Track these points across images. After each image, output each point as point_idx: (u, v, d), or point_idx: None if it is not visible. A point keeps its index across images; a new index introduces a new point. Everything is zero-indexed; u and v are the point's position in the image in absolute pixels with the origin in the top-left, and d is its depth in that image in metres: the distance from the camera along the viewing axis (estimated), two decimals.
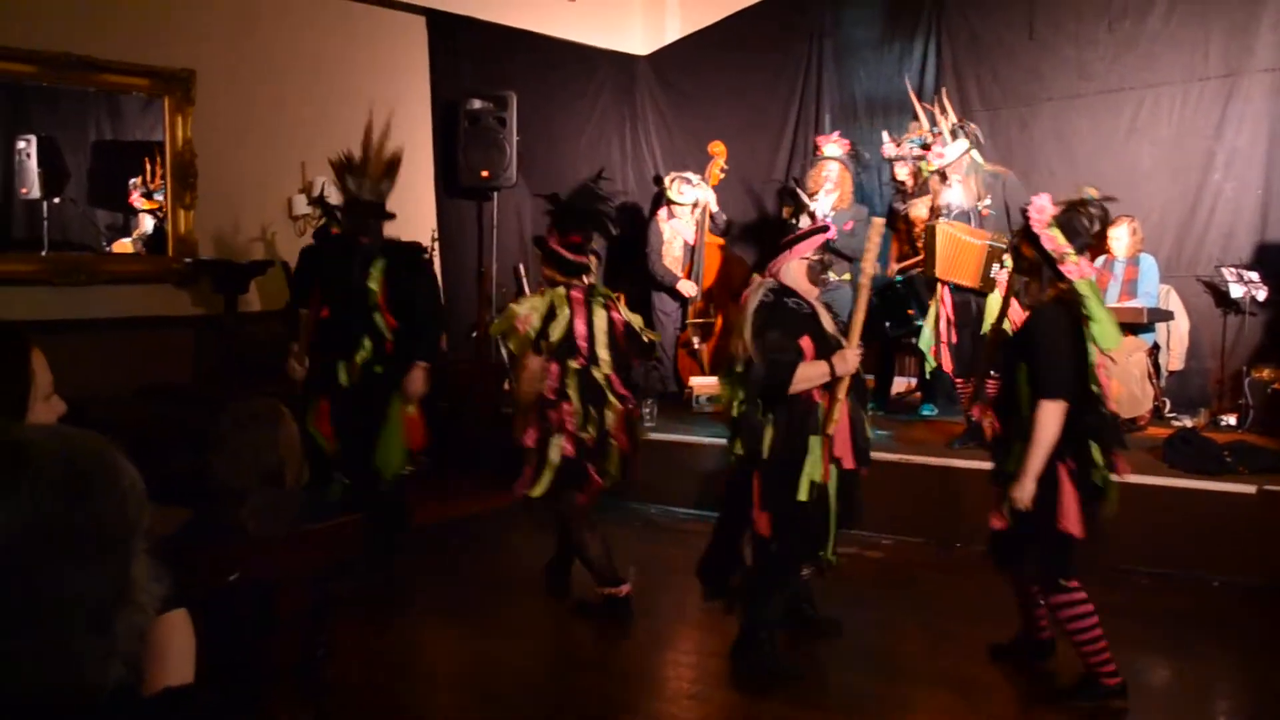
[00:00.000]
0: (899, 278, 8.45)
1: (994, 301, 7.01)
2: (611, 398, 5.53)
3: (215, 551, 3.21)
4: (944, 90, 7.73)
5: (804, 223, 5.05)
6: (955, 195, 7.26)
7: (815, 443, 4.78)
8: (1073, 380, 4.36)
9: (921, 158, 8.23)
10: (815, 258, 4.95)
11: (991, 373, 6.11)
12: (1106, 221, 4.64)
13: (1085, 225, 4.50)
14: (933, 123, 7.51)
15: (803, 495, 4.74)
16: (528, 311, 5.46)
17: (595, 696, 4.83)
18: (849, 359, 4.78)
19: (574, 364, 5.43)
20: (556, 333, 5.40)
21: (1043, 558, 4.46)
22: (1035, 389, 4.36)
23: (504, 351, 9.14)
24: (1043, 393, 4.32)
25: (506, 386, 8.98)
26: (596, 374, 5.48)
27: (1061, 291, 4.44)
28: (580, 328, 5.45)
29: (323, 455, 5.80)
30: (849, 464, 4.87)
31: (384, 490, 5.91)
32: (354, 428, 5.92)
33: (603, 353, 5.50)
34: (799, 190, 5.69)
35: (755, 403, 4.78)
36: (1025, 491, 4.34)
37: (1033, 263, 4.51)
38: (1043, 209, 4.46)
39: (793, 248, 4.93)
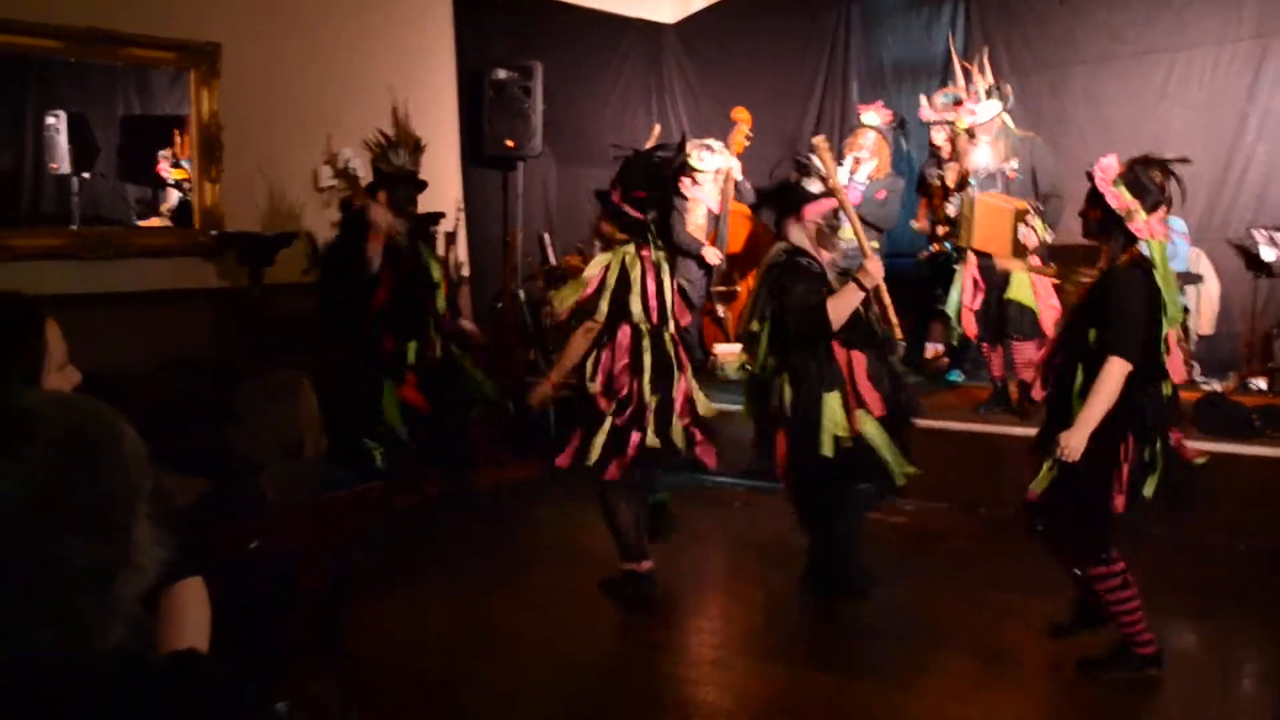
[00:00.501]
0: (949, 247, 8.37)
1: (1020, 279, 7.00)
2: (683, 361, 5.41)
3: (234, 522, 3.24)
4: (986, 50, 7.63)
5: (814, 187, 4.98)
6: (983, 156, 7.19)
7: (832, 399, 4.80)
8: (1143, 348, 4.24)
9: (952, 121, 8.19)
10: (823, 221, 4.96)
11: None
12: (1177, 180, 4.45)
13: (1154, 181, 4.32)
14: (969, 80, 7.43)
15: (827, 450, 4.78)
16: (598, 270, 5.27)
17: (619, 664, 4.87)
18: (871, 270, 4.89)
19: (645, 326, 5.24)
20: (633, 292, 5.20)
21: (1084, 531, 4.41)
22: (1105, 346, 4.22)
23: (530, 319, 9.18)
24: (1113, 350, 4.19)
25: (532, 355, 9.01)
26: (666, 337, 5.34)
27: (1136, 255, 4.30)
28: (652, 287, 5.27)
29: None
30: (878, 412, 4.88)
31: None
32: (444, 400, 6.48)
33: (670, 315, 5.36)
34: (806, 157, 5.62)
35: (791, 358, 4.85)
36: (1076, 440, 4.20)
37: (1101, 224, 4.38)
38: (1108, 167, 4.34)
39: (798, 210, 4.95)
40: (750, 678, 4.73)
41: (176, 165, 7.89)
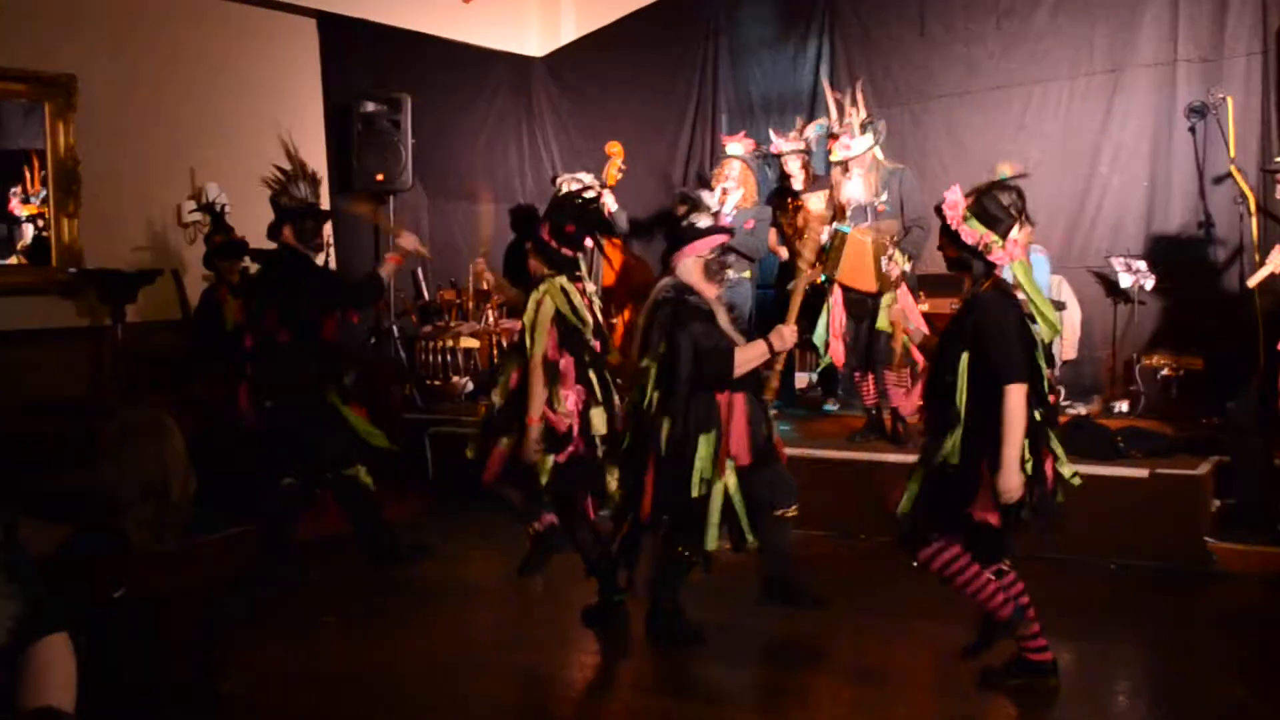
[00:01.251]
0: (824, 278, 8.46)
1: (889, 298, 7.09)
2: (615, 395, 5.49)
3: (100, 566, 3.11)
4: (859, 83, 7.73)
5: (701, 221, 5.01)
6: (855, 189, 7.27)
7: (705, 441, 4.81)
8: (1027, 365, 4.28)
9: (808, 151, 8.31)
10: (712, 256, 4.97)
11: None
12: (1022, 197, 4.49)
13: (1004, 206, 4.30)
14: (841, 114, 7.52)
15: (695, 491, 4.78)
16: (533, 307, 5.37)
17: (508, 703, 4.77)
18: (786, 335, 4.91)
19: (588, 357, 5.38)
20: (579, 321, 5.37)
21: (973, 545, 4.43)
22: (996, 375, 4.22)
23: (405, 354, 9.05)
24: (1006, 378, 4.20)
25: (408, 390, 8.89)
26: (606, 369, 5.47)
27: (997, 280, 4.34)
28: (589, 318, 5.43)
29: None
30: (744, 460, 4.88)
31: None
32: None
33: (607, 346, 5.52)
34: (695, 194, 5.70)
35: (674, 396, 4.83)
36: (1011, 484, 4.22)
37: (960, 260, 4.39)
38: (955, 204, 4.32)
39: (687, 245, 4.95)
40: (644, 714, 4.68)
41: (27, 201, 7.62)
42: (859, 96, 7.43)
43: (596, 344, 5.44)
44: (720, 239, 5.05)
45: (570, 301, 5.34)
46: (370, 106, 9.24)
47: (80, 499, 3.29)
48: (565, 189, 8.92)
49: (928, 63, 9.18)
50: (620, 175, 9.38)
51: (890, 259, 7.03)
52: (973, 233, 4.27)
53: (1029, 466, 4.30)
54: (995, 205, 4.29)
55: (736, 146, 8.51)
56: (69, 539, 3.27)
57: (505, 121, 10.95)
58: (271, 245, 7.00)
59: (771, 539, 5.20)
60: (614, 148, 9.42)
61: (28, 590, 1.81)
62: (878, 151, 7.37)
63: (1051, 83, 8.67)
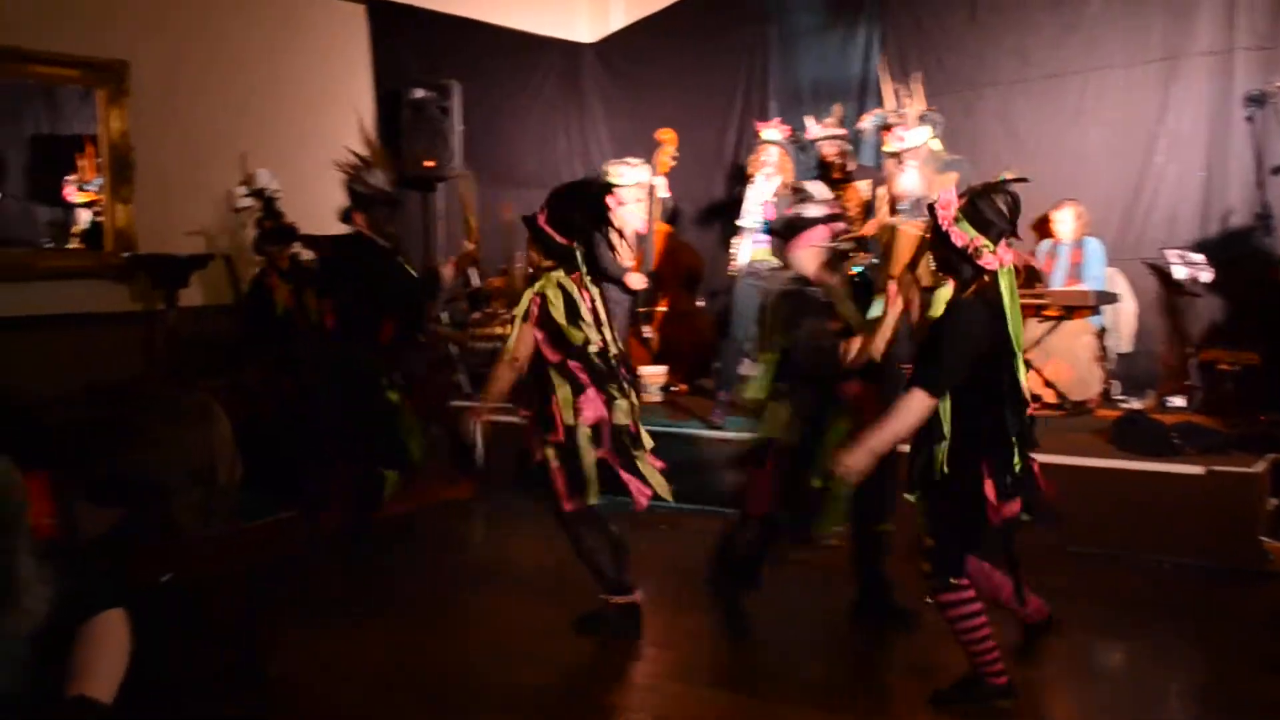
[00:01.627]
0: (859, 269, 8.40)
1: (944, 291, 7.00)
2: (627, 386, 5.17)
3: (146, 551, 3.13)
4: (918, 74, 7.65)
5: (812, 211, 4.89)
6: (910, 181, 7.18)
7: (834, 433, 4.80)
8: (993, 375, 4.15)
9: (840, 135, 8.25)
10: (829, 246, 4.94)
11: None
12: (1017, 203, 4.30)
13: (999, 210, 4.15)
14: (898, 104, 7.44)
15: (817, 481, 4.76)
16: (526, 303, 5.05)
17: (548, 693, 4.76)
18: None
19: (593, 349, 5.01)
20: (579, 316, 5.00)
21: (937, 555, 4.29)
22: (918, 375, 4.17)
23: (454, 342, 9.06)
24: (924, 384, 4.13)
25: (456, 378, 8.91)
26: (613, 362, 5.12)
27: (984, 285, 4.17)
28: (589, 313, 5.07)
29: None
30: None
31: None
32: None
33: (614, 339, 5.16)
34: (803, 184, 5.59)
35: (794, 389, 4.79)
36: (857, 462, 4.18)
37: (947, 260, 4.26)
38: (947, 204, 4.20)
39: (800, 236, 4.89)
40: (683, 702, 4.65)
41: (82, 188, 7.69)
42: (916, 87, 7.35)
43: (600, 341, 5.05)
44: (835, 227, 4.99)
45: (569, 297, 5.00)
46: (420, 93, 9.25)
47: (130, 483, 3.31)
48: (613, 170, 8.96)
49: (980, 50, 9.08)
50: (673, 163, 9.34)
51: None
52: (963, 235, 4.13)
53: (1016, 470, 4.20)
54: (990, 209, 4.14)
55: (773, 132, 8.43)
56: (118, 522, 3.29)
57: (554, 108, 10.95)
58: (321, 231, 7.06)
59: (872, 554, 5.18)
60: (665, 134, 9.37)
61: (72, 572, 1.80)
62: (935, 144, 7.29)
63: (1106, 71, 8.53)
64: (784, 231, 5.09)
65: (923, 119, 7.24)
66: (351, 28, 9.26)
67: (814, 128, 8.48)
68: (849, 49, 9.84)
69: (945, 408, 4.17)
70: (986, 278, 4.16)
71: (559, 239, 5.06)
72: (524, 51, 10.57)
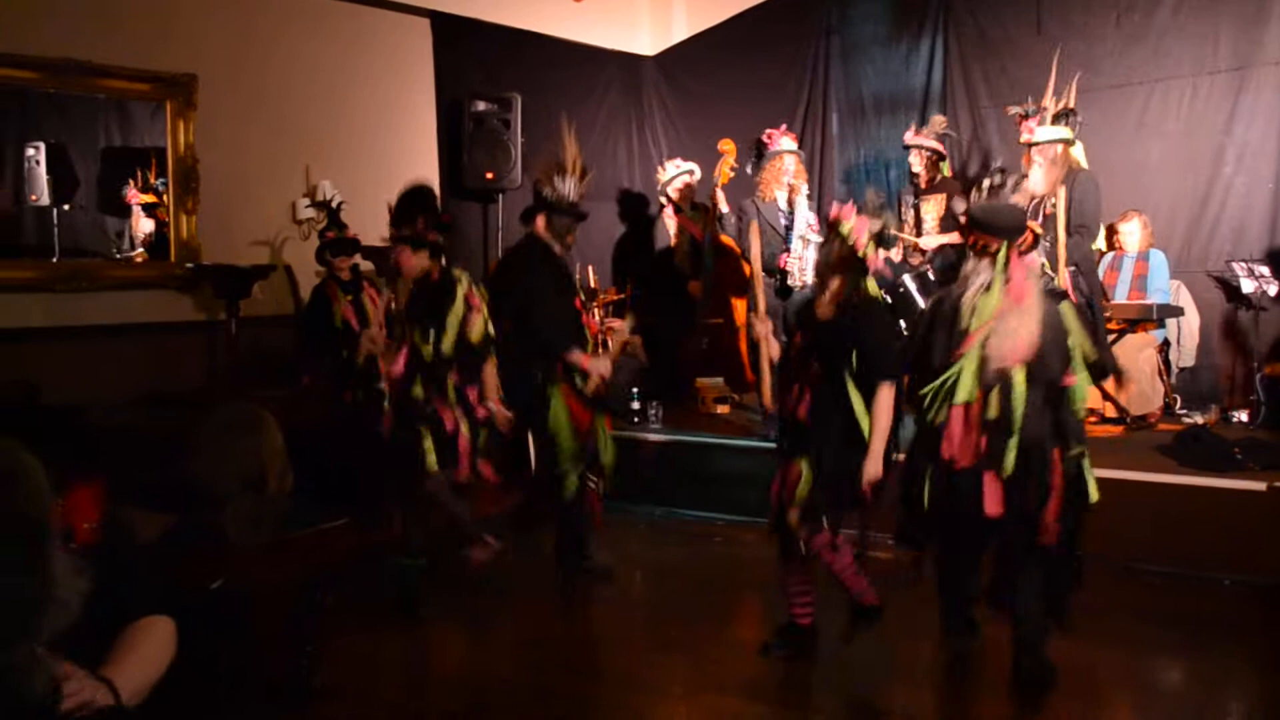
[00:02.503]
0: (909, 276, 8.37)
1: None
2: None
3: (197, 557, 3.18)
4: (1079, 77, 7.58)
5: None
6: (1034, 178, 7.11)
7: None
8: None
9: (934, 148, 8.21)
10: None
11: None
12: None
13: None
14: (1059, 97, 7.36)
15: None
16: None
17: (592, 701, 4.78)
18: None
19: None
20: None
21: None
22: (873, 374, 4.66)
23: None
24: (880, 375, 4.66)
25: None
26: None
27: (867, 290, 4.79)
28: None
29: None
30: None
31: None
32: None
33: None
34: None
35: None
36: (877, 469, 4.65)
37: (843, 261, 4.75)
38: (847, 210, 4.77)
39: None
40: (720, 715, 4.66)
41: (144, 190, 7.82)
42: (1074, 87, 7.30)
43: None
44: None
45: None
46: (481, 105, 9.32)
47: (181, 491, 3.36)
48: (664, 170, 9.01)
49: (1045, 61, 8.97)
50: (733, 174, 9.34)
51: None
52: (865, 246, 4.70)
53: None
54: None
55: (787, 142, 8.42)
56: (170, 528, 3.35)
57: (616, 120, 10.98)
58: (383, 243, 7.11)
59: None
60: (726, 145, 9.38)
61: (114, 572, 1.83)
62: (1073, 150, 7.23)
63: (1173, 80, 8.43)
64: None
65: (1058, 118, 7.18)
66: (415, 40, 9.35)
67: (909, 135, 8.46)
68: (912, 60, 9.78)
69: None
70: (869, 281, 4.79)
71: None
72: (585, 64, 10.62)
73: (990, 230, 4.49)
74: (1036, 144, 7.17)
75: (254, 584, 3.24)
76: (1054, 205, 7.10)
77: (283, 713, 3.52)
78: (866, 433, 4.64)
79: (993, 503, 4.39)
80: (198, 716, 3.15)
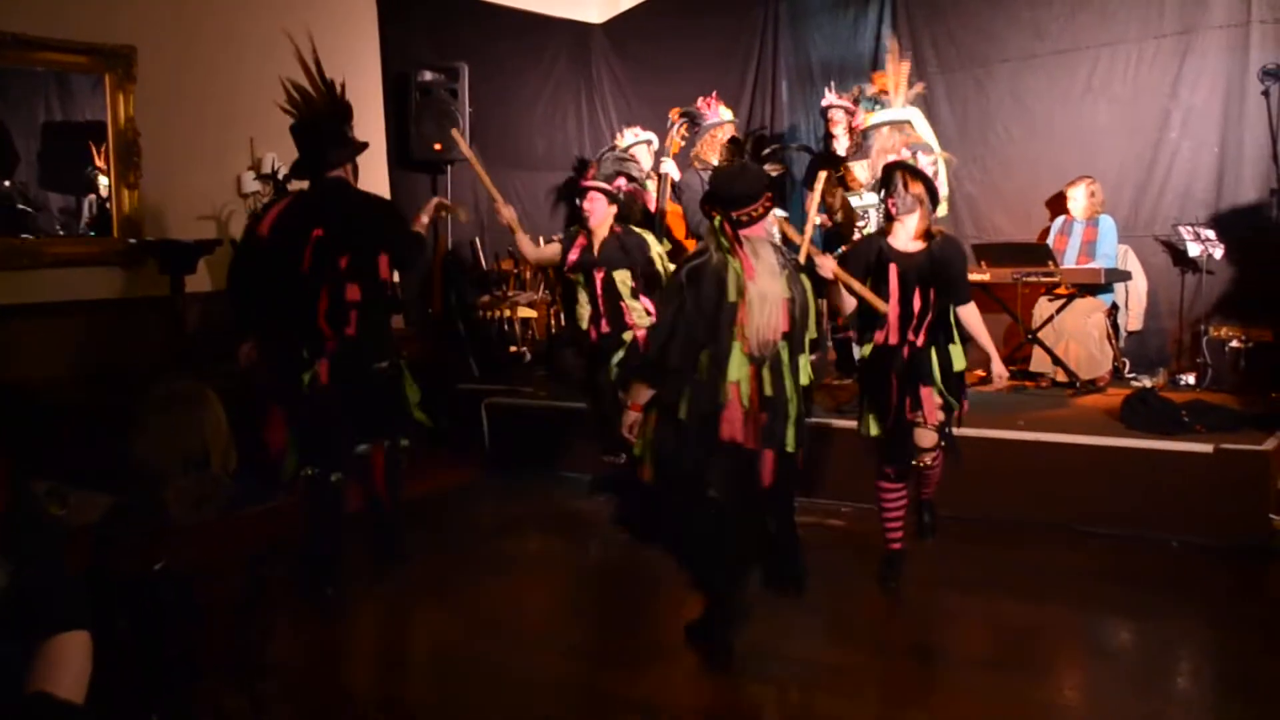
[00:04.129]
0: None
1: None
2: None
3: (139, 538, 3.13)
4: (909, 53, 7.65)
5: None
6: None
7: None
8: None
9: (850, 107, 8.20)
10: None
11: None
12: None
13: None
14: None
15: None
16: None
17: (555, 678, 4.74)
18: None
19: None
20: None
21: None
22: None
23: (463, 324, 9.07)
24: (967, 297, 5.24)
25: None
26: None
27: None
28: None
29: None
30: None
31: None
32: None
33: None
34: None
35: None
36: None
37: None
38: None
39: None
40: (680, 683, 4.64)
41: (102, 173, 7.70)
42: (905, 65, 7.35)
43: None
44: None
45: None
46: (428, 76, 9.24)
47: (121, 470, 3.31)
48: (622, 141, 8.95)
49: (992, 26, 9.01)
50: (683, 143, 9.29)
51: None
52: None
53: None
54: None
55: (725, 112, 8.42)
56: (111, 508, 3.29)
57: (564, 89, 10.91)
58: None
59: None
60: (677, 114, 9.32)
61: (37, 553, 1.79)
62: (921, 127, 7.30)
63: (1120, 45, 8.46)
64: None
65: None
66: (360, 10, 9.23)
67: (830, 95, 8.43)
68: (860, 26, 9.77)
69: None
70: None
71: None
72: (533, 32, 10.53)
73: (708, 200, 4.54)
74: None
75: (199, 564, 3.19)
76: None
77: (231, 691, 3.47)
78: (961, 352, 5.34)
79: (768, 475, 4.54)
80: (145, 697, 3.11)
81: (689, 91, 9.84)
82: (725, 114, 8.34)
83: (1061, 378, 7.82)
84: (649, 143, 9.22)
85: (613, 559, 6.29)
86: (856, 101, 8.14)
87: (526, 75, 10.51)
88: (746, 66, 10.31)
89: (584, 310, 6.67)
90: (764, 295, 4.38)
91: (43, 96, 7.68)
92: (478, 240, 9.63)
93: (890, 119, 7.34)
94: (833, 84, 8.66)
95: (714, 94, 8.56)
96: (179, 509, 3.23)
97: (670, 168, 8.94)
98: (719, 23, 10.44)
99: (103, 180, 7.70)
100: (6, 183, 7.43)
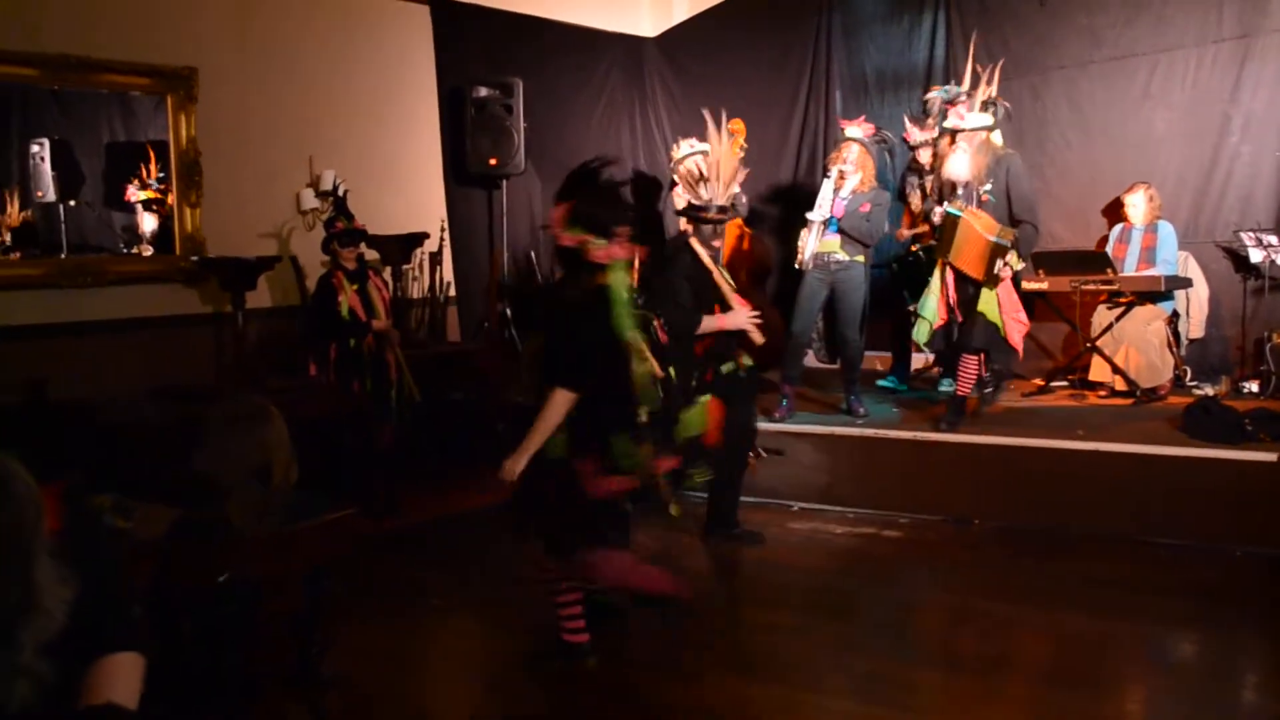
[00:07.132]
0: (919, 248, 8.37)
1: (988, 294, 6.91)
2: None
3: (204, 551, 3.18)
4: (1000, 61, 7.51)
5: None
6: (958, 165, 6.99)
7: None
8: (603, 371, 4.41)
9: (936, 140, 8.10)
10: None
11: None
12: (613, 191, 4.72)
13: (604, 207, 4.49)
14: (975, 84, 7.29)
15: None
16: None
17: (599, 683, 4.76)
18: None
19: None
20: None
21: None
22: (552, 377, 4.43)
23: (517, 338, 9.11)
24: (560, 382, 4.39)
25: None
26: None
27: (602, 281, 4.46)
28: None
29: None
30: None
31: None
32: None
33: None
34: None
35: None
36: (515, 464, 4.45)
37: (566, 259, 4.54)
38: (557, 216, 4.49)
39: None
40: (728, 693, 4.63)
41: (144, 186, 7.83)
42: (995, 74, 7.23)
43: None
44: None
45: None
46: (483, 91, 9.30)
47: (185, 483, 3.37)
48: (677, 149, 8.95)
49: (1048, 34, 8.94)
50: (742, 154, 9.27)
51: (1006, 264, 6.85)
52: (570, 237, 4.45)
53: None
54: (595, 207, 4.46)
55: (856, 130, 8.31)
56: (177, 522, 3.35)
57: (618, 103, 10.96)
58: (386, 231, 7.06)
59: None
60: (737, 125, 9.30)
61: (95, 579, 1.82)
62: (996, 136, 7.16)
63: (1178, 51, 8.36)
64: None
65: (986, 105, 7.10)
66: (415, 28, 9.33)
67: (914, 130, 8.41)
68: (914, 36, 9.75)
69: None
70: (599, 275, 4.45)
71: None
72: (586, 47, 10.60)
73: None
74: (964, 131, 7.08)
75: (260, 576, 3.24)
76: (989, 192, 6.99)
77: (292, 704, 3.52)
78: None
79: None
80: (206, 710, 3.16)
81: (742, 104, 9.87)
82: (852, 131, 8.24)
83: (1121, 386, 7.74)
84: (705, 154, 9.21)
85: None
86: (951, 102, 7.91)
87: (580, 89, 10.57)
88: (800, 77, 10.29)
89: None
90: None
91: (105, 117, 7.84)
92: (533, 254, 9.68)
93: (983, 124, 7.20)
94: (907, 115, 8.64)
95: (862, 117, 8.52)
96: (242, 522, 3.28)
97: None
98: (772, 33, 10.44)
99: (139, 194, 7.84)
100: (72, 202, 7.57)
